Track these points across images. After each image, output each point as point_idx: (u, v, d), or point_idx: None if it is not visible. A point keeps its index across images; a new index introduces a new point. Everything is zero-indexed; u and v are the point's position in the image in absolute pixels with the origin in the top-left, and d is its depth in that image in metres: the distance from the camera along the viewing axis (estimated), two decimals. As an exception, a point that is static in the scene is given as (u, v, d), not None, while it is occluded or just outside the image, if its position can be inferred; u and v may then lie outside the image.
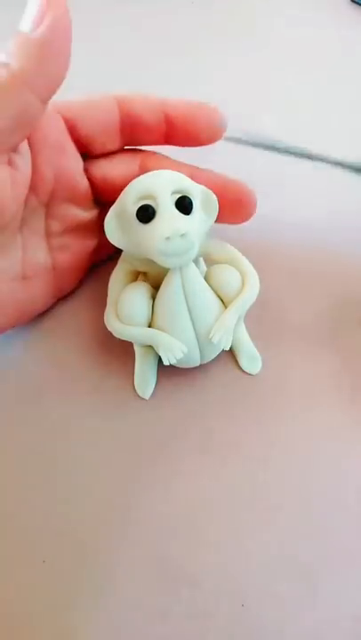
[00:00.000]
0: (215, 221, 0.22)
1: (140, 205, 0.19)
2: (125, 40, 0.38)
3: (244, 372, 0.23)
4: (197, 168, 0.23)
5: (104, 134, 0.22)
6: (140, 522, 0.20)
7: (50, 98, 0.19)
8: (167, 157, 0.23)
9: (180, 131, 0.22)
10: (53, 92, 0.19)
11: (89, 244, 0.24)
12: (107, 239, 0.22)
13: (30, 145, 0.20)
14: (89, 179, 0.22)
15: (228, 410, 0.23)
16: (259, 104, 0.34)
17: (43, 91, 0.18)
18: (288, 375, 0.23)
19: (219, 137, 0.22)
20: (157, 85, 0.35)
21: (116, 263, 0.23)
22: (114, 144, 0.22)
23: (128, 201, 0.20)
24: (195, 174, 0.22)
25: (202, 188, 0.21)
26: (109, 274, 0.23)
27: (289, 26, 0.39)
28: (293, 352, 0.24)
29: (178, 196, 0.20)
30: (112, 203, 0.22)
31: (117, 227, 0.20)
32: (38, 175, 0.21)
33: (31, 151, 0.20)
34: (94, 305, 0.25)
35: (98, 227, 0.24)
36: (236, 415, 0.22)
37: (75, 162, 0.22)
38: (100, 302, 0.23)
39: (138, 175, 0.22)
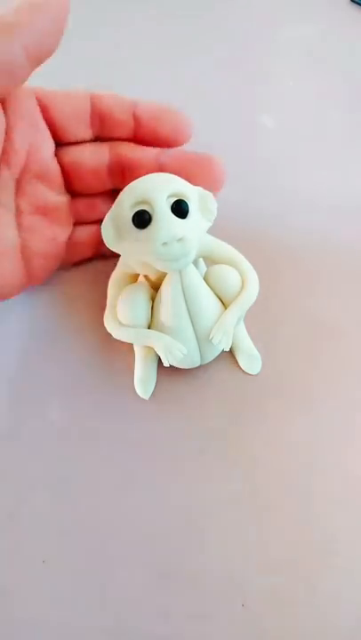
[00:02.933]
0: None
1: (135, 211, 0.19)
2: (125, 40, 0.38)
3: (244, 372, 0.23)
4: (163, 150, 0.24)
5: (75, 122, 0.22)
6: (140, 521, 0.20)
7: (37, 64, 0.19)
8: (137, 145, 0.24)
9: (146, 129, 0.23)
10: (42, 57, 0.19)
11: (60, 231, 0.24)
12: (84, 237, 0.22)
13: (7, 116, 0.21)
14: (60, 165, 0.23)
15: (228, 410, 0.23)
16: (259, 104, 0.34)
17: (32, 50, 0.19)
18: (288, 375, 0.23)
19: (184, 140, 0.23)
20: (157, 85, 0.35)
21: (114, 264, 0.23)
22: (84, 134, 0.23)
23: (124, 206, 0.20)
24: (162, 155, 0.23)
25: (199, 189, 0.21)
26: (109, 274, 0.23)
27: (289, 26, 0.39)
28: (293, 352, 0.24)
29: (174, 199, 0.19)
30: (83, 190, 0.23)
31: (114, 232, 0.20)
32: (12, 148, 0.21)
33: (7, 123, 0.21)
34: (94, 305, 0.25)
35: (69, 216, 0.24)
36: (236, 415, 0.22)
37: (47, 141, 0.22)
38: (100, 303, 0.23)
39: (109, 160, 0.23)
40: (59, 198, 0.24)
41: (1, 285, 0.23)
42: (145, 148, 0.24)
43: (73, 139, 0.23)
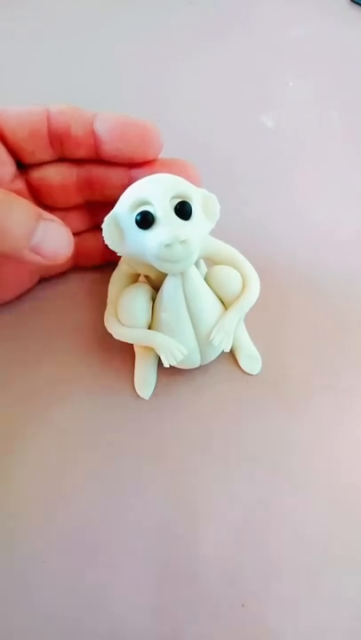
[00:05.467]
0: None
1: (139, 211, 0.19)
2: (124, 40, 0.38)
3: (244, 372, 0.23)
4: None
5: (32, 144, 0.21)
6: (139, 522, 0.20)
7: None
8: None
9: (109, 146, 0.21)
10: None
11: None
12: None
13: None
14: (28, 183, 0.22)
15: (228, 410, 0.23)
16: (259, 104, 0.34)
17: None
18: (288, 375, 0.23)
19: (155, 154, 0.22)
20: (156, 86, 0.35)
21: (115, 265, 0.23)
22: (45, 154, 0.22)
23: (127, 207, 0.19)
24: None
25: (202, 191, 0.21)
26: (110, 275, 0.23)
27: (289, 26, 0.39)
28: (293, 352, 0.24)
29: (177, 201, 0.19)
30: (54, 205, 0.23)
31: (116, 232, 0.20)
32: None
33: None
34: (94, 305, 0.25)
35: None
36: (236, 415, 0.22)
37: (3, 164, 0.21)
38: (101, 303, 0.23)
39: (77, 177, 0.22)
40: None
41: None
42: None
43: (35, 161, 0.22)
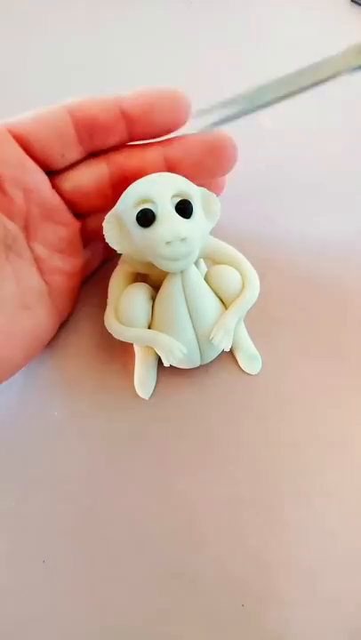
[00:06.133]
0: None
1: (140, 209, 0.19)
2: (124, 41, 0.38)
3: (244, 372, 0.23)
4: (169, 139, 0.22)
5: (60, 145, 0.20)
6: (140, 521, 0.20)
7: None
8: (135, 145, 0.22)
9: (141, 124, 0.21)
10: None
11: (77, 261, 0.24)
12: (95, 251, 0.21)
13: None
14: (61, 194, 0.22)
15: (228, 410, 0.23)
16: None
17: None
18: (288, 375, 0.23)
19: (184, 120, 0.21)
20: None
21: (115, 264, 0.23)
22: (74, 153, 0.21)
23: (128, 204, 0.20)
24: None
25: (202, 189, 0.21)
26: (110, 275, 0.23)
27: (289, 26, 0.39)
28: (293, 352, 0.24)
29: (178, 199, 0.19)
30: (90, 211, 0.22)
31: (117, 230, 0.20)
32: (8, 198, 0.20)
33: None
34: (94, 305, 0.25)
35: (80, 242, 0.24)
36: (236, 415, 0.22)
37: (39, 177, 0.21)
38: (101, 303, 0.23)
39: (109, 175, 0.22)
40: (70, 229, 0.23)
41: (39, 333, 0.22)
42: (144, 148, 0.22)
43: (66, 163, 0.21)
